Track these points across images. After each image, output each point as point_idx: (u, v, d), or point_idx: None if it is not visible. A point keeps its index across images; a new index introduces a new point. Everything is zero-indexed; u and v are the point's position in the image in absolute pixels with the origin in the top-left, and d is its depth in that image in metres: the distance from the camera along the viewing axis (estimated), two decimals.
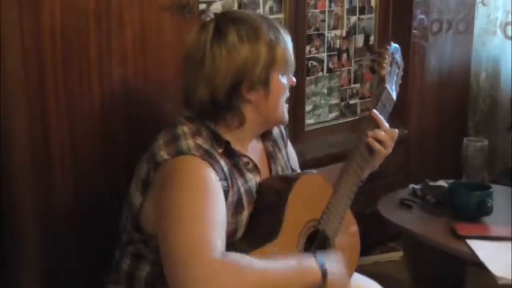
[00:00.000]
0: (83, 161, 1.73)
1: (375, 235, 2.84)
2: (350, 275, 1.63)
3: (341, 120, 2.95)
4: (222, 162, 1.42)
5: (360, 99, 3.03)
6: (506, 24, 3.30)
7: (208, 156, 1.39)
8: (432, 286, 2.43)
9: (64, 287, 1.75)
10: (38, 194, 1.68)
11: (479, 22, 3.36)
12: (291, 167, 1.72)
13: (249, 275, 1.26)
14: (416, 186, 2.43)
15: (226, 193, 1.39)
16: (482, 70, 3.40)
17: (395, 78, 1.66)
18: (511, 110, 3.28)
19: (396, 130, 1.63)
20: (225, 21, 1.48)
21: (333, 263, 1.43)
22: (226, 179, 1.41)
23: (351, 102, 2.99)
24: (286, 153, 1.73)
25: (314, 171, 1.65)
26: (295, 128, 2.74)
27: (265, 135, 1.63)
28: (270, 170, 1.61)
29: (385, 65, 1.61)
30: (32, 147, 1.65)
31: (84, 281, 1.72)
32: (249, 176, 1.51)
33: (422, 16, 3.05)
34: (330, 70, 2.87)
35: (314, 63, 2.79)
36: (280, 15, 2.60)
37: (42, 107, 1.64)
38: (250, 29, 1.45)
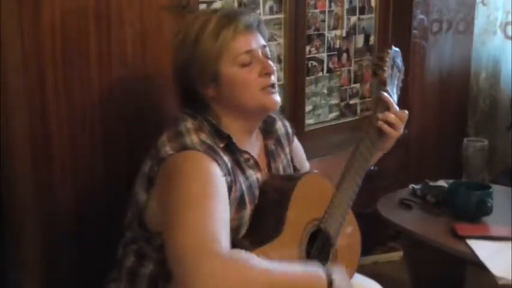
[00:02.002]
0: (83, 161, 1.73)
1: (374, 235, 2.84)
2: (351, 277, 1.63)
3: (341, 121, 2.96)
4: (225, 158, 1.43)
5: (360, 99, 3.03)
6: (506, 24, 3.30)
7: (212, 152, 1.39)
8: (432, 286, 2.43)
9: (64, 287, 1.75)
10: (38, 194, 1.68)
11: (479, 22, 3.36)
12: (294, 166, 1.72)
13: (257, 274, 1.24)
14: (416, 186, 2.43)
15: (229, 189, 1.40)
16: (482, 70, 3.40)
17: (396, 82, 1.66)
18: (511, 110, 3.28)
19: (406, 111, 1.61)
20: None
21: (339, 273, 1.41)
22: (230, 174, 1.41)
23: (351, 102, 2.99)
24: (290, 151, 1.72)
25: (316, 171, 1.65)
26: (295, 128, 2.73)
27: (267, 133, 1.64)
28: (269, 168, 1.61)
29: (386, 68, 1.60)
30: (32, 147, 1.65)
31: (84, 281, 1.72)
32: (250, 172, 1.51)
33: (422, 16, 3.05)
34: (330, 70, 2.87)
35: (314, 63, 2.79)
36: (280, 15, 2.60)
37: (42, 107, 1.64)
38: (194, 31, 1.49)
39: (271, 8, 2.56)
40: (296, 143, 1.79)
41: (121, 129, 1.78)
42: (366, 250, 2.87)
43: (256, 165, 1.54)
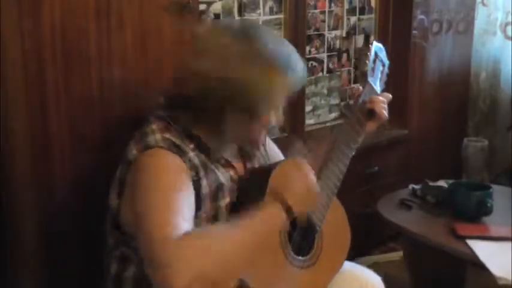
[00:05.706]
0: (83, 161, 1.73)
1: (374, 235, 2.85)
2: (341, 264, 1.65)
3: (341, 121, 2.95)
4: (191, 154, 1.45)
5: None
6: (506, 24, 3.31)
7: (174, 147, 1.42)
8: (432, 286, 2.43)
9: (64, 286, 1.75)
10: (38, 194, 1.68)
11: (479, 22, 3.36)
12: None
13: (213, 239, 1.26)
14: (416, 187, 2.43)
15: (196, 183, 1.42)
16: (482, 70, 3.40)
17: (379, 75, 1.72)
18: (511, 110, 3.28)
19: (389, 95, 1.70)
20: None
21: (293, 182, 1.44)
22: (195, 169, 1.43)
23: (351, 102, 2.99)
24: (265, 150, 1.74)
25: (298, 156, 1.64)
26: (295, 128, 2.74)
27: None
28: (245, 167, 1.64)
29: (367, 62, 1.67)
30: (32, 147, 1.65)
31: (85, 282, 1.72)
32: (222, 170, 1.53)
33: (422, 16, 3.05)
34: (330, 70, 2.87)
35: (314, 63, 2.79)
36: (280, 16, 2.60)
37: (42, 107, 1.64)
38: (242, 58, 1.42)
39: (271, 8, 2.56)
40: (268, 142, 1.79)
41: (121, 129, 1.78)
42: (366, 250, 2.88)
43: (228, 164, 1.56)
